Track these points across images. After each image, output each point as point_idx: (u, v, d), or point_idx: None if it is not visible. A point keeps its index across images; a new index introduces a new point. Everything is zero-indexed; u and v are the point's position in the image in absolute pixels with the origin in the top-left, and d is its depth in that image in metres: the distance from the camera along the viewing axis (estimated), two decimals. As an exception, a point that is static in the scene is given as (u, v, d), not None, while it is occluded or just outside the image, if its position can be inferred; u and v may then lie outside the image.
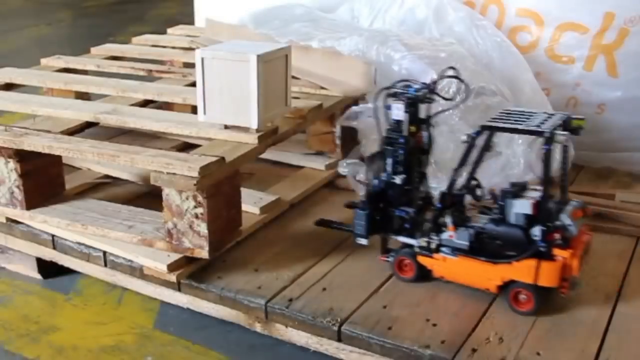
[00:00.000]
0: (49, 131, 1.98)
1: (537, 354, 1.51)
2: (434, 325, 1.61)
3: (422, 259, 1.75)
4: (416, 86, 1.71)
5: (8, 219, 2.06)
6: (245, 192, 1.99)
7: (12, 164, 1.95)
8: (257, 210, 2.06)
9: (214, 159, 1.74)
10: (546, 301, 1.65)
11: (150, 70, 2.66)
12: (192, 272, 1.83)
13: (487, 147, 1.64)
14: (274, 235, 2.03)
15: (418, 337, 1.57)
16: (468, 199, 1.72)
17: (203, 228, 1.76)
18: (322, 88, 2.33)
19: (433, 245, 1.72)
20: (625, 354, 1.52)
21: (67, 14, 7.01)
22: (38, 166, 2.00)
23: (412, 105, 1.70)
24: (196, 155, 1.77)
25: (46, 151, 1.90)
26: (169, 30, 3.43)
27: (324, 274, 1.84)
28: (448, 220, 1.69)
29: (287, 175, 2.36)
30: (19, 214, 2.01)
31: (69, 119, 2.08)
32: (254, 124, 1.84)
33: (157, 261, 1.80)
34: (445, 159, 2.13)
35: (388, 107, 1.71)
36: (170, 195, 1.77)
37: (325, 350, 1.67)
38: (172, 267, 1.79)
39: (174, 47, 3.04)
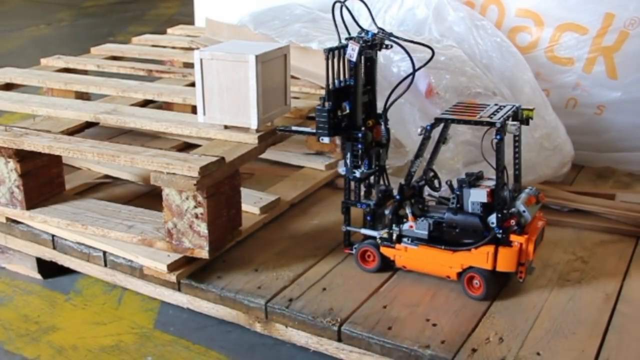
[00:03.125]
0: (49, 131, 1.98)
1: (537, 354, 1.51)
2: (434, 325, 1.61)
3: (384, 250, 1.80)
4: (372, 32, 1.74)
5: (8, 219, 2.06)
6: (245, 192, 1.99)
7: (12, 164, 1.95)
8: (257, 210, 2.06)
9: (214, 159, 1.74)
10: (500, 287, 1.72)
11: (150, 70, 2.66)
12: (192, 272, 1.83)
13: (442, 138, 1.71)
14: (274, 235, 2.03)
15: (418, 337, 1.57)
16: (426, 190, 1.79)
17: (203, 228, 1.76)
18: (322, 88, 2.33)
19: (394, 236, 1.76)
20: (625, 354, 1.52)
21: (67, 14, 7.01)
22: (38, 166, 2.00)
23: (369, 47, 1.72)
24: (196, 155, 1.77)
25: (46, 151, 1.90)
26: (169, 30, 3.43)
27: (324, 274, 1.84)
28: (408, 211, 1.74)
29: (287, 175, 2.37)
30: (19, 214, 2.01)
31: (69, 119, 2.08)
32: (253, 124, 1.84)
33: (157, 261, 1.80)
34: (445, 158, 2.13)
35: (345, 47, 1.73)
36: (170, 195, 1.77)
37: (325, 350, 1.67)
38: (172, 267, 1.79)
39: (174, 47, 3.05)
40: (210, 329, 1.83)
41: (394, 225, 1.76)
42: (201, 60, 1.83)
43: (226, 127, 1.89)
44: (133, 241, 1.86)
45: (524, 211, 1.66)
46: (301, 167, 2.42)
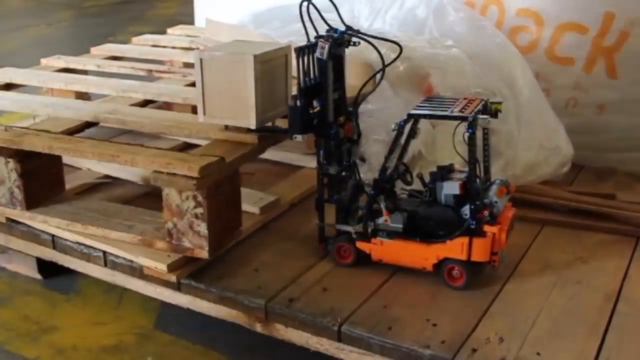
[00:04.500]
0: (49, 131, 1.98)
1: (537, 354, 1.51)
2: (434, 325, 1.61)
3: (360, 244, 1.82)
4: (341, 30, 1.77)
5: (8, 219, 2.06)
6: (245, 192, 1.99)
7: (12, 164, 1.95)
8: (257, 210, 2.06)
9: (214, 159, 1.74)
10: (476, 276, 1.75)
11: (150, 70, 2.66)
12: (192, 272, 1.83)
13: (413, 133, 1.75)
14: (274, 235, 2.03)
15: (418, 337, 1.57)
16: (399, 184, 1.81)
17: (203, 228, 1.76)
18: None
19: (369, 231, 1.79)
20: (625, 354, 1.52)
21: (67, 14, 7.01)
22: (38, 166, 2.00)
23: (338, 45, 1.75)
24: (196, 155, 1.77)
25: (46, 151, 1.90)
26: (169, 30, 3.43)
27: (324, 274, 1.84)
28: (382, 205, 1.77)
29: (287, 175, 2.36)
30: (19, 214, 2.01)
31: (69, 119, 2.08)
32: (252, 124, 1.84)
33: (157, 261, 1.80)
34: (444, 157, 2.13)
35: (314, 45, 1.75)
36: (170, 195, 1.77)
37: (325, 350, 1.67)
38: (172, 267, 1.79)
39: (174, 47, 3.05)
40: (210, 329, 1.83)
41: (368, 220, 1.79)
42: (201, 60, 1.83)
43: (226, 127, 1.89)
44: (133, 241, 1.86)
45: (496, 202, 1.70)
46: (301, 167, 2.42)
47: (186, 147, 2.46)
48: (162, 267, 1.79)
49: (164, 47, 3.08)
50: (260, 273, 1.84)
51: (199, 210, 1.74)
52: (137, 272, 1.87)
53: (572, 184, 2.40)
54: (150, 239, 1.84)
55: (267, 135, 1.89)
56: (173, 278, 1.80)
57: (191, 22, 3.96)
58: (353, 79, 2.31)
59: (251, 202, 2.07)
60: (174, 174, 1.71)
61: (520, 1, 2.54)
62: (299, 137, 1.78)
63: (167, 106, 2.47)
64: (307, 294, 1.74)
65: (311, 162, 2.41)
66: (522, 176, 2.15)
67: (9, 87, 2.49)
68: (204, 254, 1.79)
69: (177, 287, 1.83)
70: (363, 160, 2.21)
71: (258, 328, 1.76)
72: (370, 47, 1.79)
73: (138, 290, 1.93)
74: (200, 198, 1.73)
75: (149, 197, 2.21)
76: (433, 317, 1.64)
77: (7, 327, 1.87)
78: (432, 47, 2.36)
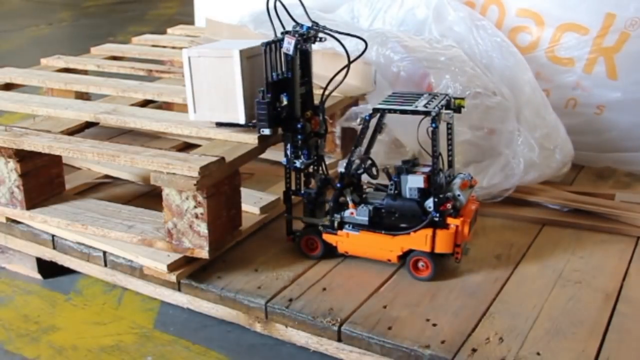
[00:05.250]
0: (49, 131, 1.98)
1: (537, 354, 1.51)
2: (434, 325, 1.61)
3: (327, 237, 1.86)
4: (307, 25, 1.79)
5: (8, 219, 2.06)
6: (245, 192, 1.99)
7: (12, 164, 1.95)
8: (257, 210, 2.06)
9: (214, 159, 1.74)
10: (442, 267, 1.80)
11: (150, 70, 2.66)
12: (192, 272, 1.83)
13: (379, 128, 1.81)
14: (274, 235, 2.03)
15: (418, 337, 1.57)
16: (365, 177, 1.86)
17: (203, 228, 1.76)
18: (322, 87, 2.33)
19: (336, 223, 1.83)
20: (625, 354, 1.52)
21: (67, 14, 7.01)
22: (38, 166, 2.00)
23: (304, 41, 1.78)
24: (196, 155, 1.77)
25: (46, 151, 1.90)
26: (169, 30, 3.43)
27: (324, 274, 1.84)
28: (348, 198, 1.81)
29: (287, 175, 2.36)
30: (19, 214, 2.01)
31: (69, 119, 2.08)
32: (241, 120, 1.85)
33: (157, 261, 1.80)
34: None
35: (281, 40, 1.78)
36: (170, 195, 1.77)
37: (325, 350, 1.67)
38: (172, 267, 1.79)
39: (174, 47, 3.04)
40: (210, 329, 1.83)
41: (335, 213, 1.82)
42: (189, 58, 1.85)
43: (218, 124, 1.90)
44: (133, 241, 1.86)
45: (458, 195, 1.75)
46: (301, 167, 2.42)
47: (186, 147, 2.46)
48: (162, 267, 1.79)
49: (164, 47, 3.08)
50: (260, 273, 1.84)
51: (199, 210, 1.74)
52: (137, 272, 1.87)
53: (572, 184, 2.40)
54: (150, 239, 1.84)
55: (267, 135, 1.89)
56: (173, 278, 1.80)
57: (191, 22, 3.97)
58: (354, 80, 2.33)
59: (251, 202, 2.07)
60: (174, 174, 1.71)
61: (521, 1, 2.53)
62: (266, 131, 1.81)
63: (167, 106, 2.47)
64: (307, 294, 1.74)
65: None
66: (522, 176, 2.15)
67: (8, 87, 2.49)
68: (204, 254, 1.79)
69: (177, 287, 1.83)
70: (362, 159, 2.21)
71: (258, 328, 1.77)
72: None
73: (138, 290, 1.93)
74: (200, 198, 1.73)
75: (149, 197, 2.21)
76: (433, 317, 1.64)
77: (7, 327, 1.86)
78: (432, 47, 2.35)
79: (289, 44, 1.76)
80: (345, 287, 1.78)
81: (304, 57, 1.83)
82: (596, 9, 2.41)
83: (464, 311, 1.67)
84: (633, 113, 2.44)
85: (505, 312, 1.66)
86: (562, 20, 2.46)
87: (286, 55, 1.77)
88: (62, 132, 1.99)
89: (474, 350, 1.53)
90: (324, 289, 1.76)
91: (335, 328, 1.62)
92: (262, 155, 2.03)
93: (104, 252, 1.91)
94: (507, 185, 2.14)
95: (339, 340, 1.63)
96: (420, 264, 1.78)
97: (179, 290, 1.84)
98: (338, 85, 1.86)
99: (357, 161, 1.82)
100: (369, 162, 1.84)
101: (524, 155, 2.15)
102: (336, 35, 1.79)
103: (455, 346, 1.54)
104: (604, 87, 2.45)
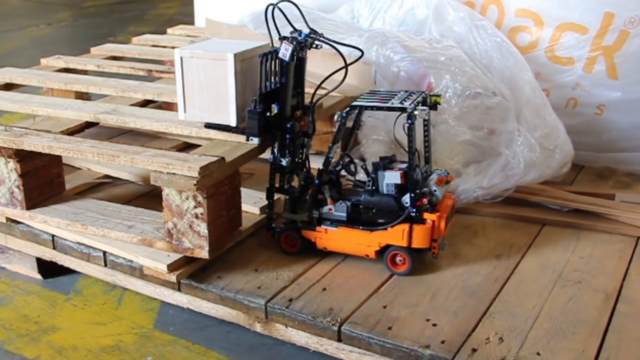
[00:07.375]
0: (49, 131, 1.98)
1: (537, 354, 1.51)
2: (434, 325, 1.61)
3: (305, 233, 1.88)
4: (305, 32, 1.80)
5: (8, 219, 2.06)
6: (245, 192, 1.99)
7: (12, 164, 1.95)
8: (257, 210, 2.06)
9: (214, 159, 1.74)
10: (420, 262, 1.83)
11: (150, 70, 2.66)
12: (192, 272, 1.83)
13: (357, 124, 1.86)
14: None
15: (418, 337, 1.57)
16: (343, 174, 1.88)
17: (203, 228, 1.76)
18: (321, 88, 2.33)
19: (314, 219, 1.85)
20: (625, 354, 1.52)
21: (67, 14, 7.01)
22: (38, 166, 2.00)
23: (301, 48, 1.79)
24: (196, 155, 1.77)
25: (46, 151, 1.90)
26: (169, 30, 3.43)
27: (324, 274, 1.84)
28: (326, 195, 1.84)
29: (287, 175, 2.36)
30: (19, 214, 2.01)
31: (69, 119, 2.08)
32: (232, 122, 1.85)
33: (157, 261, 1.80)
34: (444, 158, 2.13)
35: (277, 51, 1.79)
36: (170, 195, 1.77)
37: (325, 350, 1.67)
38: (172, 267, 1.79)
39: (174, 47, 3.04)
40: (210, 329, 1.83)
41: (313, 209, 1.84)
42: (181, 58, 1.86)
43: (207, 125, 1.90)
44: (133, 241, 1.86)
45: (435, 191, 1.77)
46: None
47: (186, 147, 2.46)
48: (162, 267, 1.79)
49: (164, 47, 3.07)
50: (260, 273, 1.84)
51: (199, 210, 1.74)
52: (137, 272, 1.87)
53: (572, 184, 2.40)
54: (150, 239, 1.84)
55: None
56: (173, 278, 1.80)
57: (191, 22, 3.96)
58: (354, 80, 2.33)
59: (251, 202, 2.07)
60: (174, 174, 1.71)
61: (520, 1, 2.54)
62: (255, 140, 1.83)
63: (167, 106, 2.47)
64: (307, 294, 1.74)
65: (311, 162, 2.41)
66: (522, 176, 2.15)
67: (8, 87, 2.49)
68: (204, 254, 1.79)
69: (177, 287, 1.83)
70: (363, 160, 2.21)
71: (258, 328, 1.77)
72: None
73: (138, 290, 1.93)
74: (200, 198, 1.73)
75: (149, 197, 2.21)
76: (433, 317, 1.64)
77: (7, 327, 1.86)
78: (432, 47, 2.36)
79: (286, 50, 1.77)
80: (345, 287, 1.78)
81: (299, 62, 1.84)
82: (595, 8, 2.42)
83: (464, 311, 1.67)
84: (633, 113, 2.45)
85: (505, 312, 1.66)
86: (561, 20, 2.47)
87: (281, 60, 1.78)
88: (62, 132, 1.99)
89: (474, 350, 1.53)
90: (324, 289, 1.76)
91: (335, 328, 1.62)
92: (262, 155, 2.03)
93: (104, 252, 1.91)
94: (507, 185, 2.14)
95: (339, 340, 1.63)
96: (398, 258, 1.80)
97: (179, 290, 1.84)
98: (336, 88, 1.85)
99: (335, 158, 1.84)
100: (347, 159, 1.86)
101: (524, 156, 2.15)
102: (333, 44, 1.79)
103: (455, 346, 1.54)
104: (604, 86, 2.45)
